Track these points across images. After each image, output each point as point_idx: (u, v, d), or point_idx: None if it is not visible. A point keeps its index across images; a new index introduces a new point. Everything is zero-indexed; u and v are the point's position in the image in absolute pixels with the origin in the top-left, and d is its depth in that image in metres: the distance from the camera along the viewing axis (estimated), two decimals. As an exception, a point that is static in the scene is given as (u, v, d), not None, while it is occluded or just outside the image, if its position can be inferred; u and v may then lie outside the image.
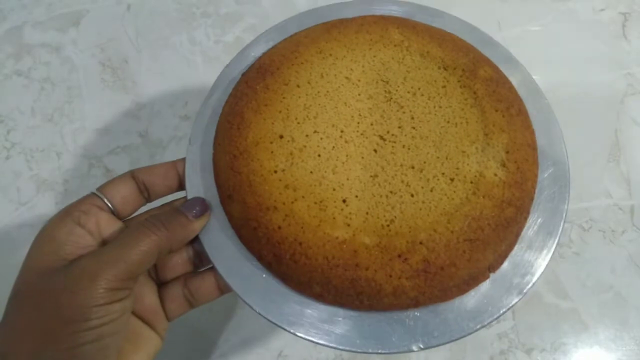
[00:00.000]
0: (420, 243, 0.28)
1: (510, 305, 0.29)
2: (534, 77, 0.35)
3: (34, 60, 0.53)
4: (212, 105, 0.35)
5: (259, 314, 0.28)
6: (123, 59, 0.53)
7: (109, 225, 0.29)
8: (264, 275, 0.29)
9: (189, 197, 0.31)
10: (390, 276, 0.27)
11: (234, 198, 0.30)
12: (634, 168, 0.48)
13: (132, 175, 0.31)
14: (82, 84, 0.51)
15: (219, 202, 0.31)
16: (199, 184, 0.32)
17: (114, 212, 0.29)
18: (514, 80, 0.35)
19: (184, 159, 0.33)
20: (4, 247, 0.44)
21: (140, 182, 0.31)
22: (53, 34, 0.54)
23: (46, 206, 0.46)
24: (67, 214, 0.27)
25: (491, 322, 0.28)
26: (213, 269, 0.30)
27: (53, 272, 0.25)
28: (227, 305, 0.42)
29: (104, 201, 0.29)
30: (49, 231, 0.26)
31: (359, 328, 0.28)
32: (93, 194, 0.29)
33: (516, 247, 0.30)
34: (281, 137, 0.31)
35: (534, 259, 0.30)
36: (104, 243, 0.28)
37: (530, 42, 0.54)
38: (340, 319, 0.28)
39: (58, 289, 0.24)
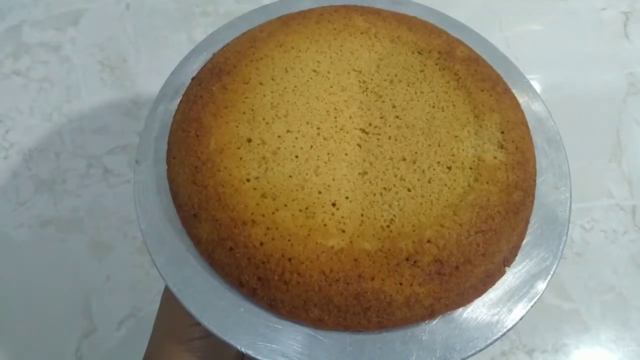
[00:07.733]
0: (429, 241, 0.25)
1: (536, 298, 0.28)
2: (531, 76, 0.34)
3: (32, 59, 0.52)
4: (159, 118, 0.31)
5: (247, 354, 0.24)
6: (122, 58, 0.53)
7: None
8: (242, 309, 0.25)
9: (142, 227, 0.27)
10: (401, 284, 0.24)
11: (201, 217, 0.26)
12: (636, 168, 0.48)
13: None
14: (80, 83, 0.51)
15: (181, 227, 0.27)
16: (154, 209, 0.28)
17: None
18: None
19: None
20: (1, 248, 0.44)
21: None
22: (52, 33, 0.54)
23: (44, 206, 0.45)
24: None
25: (515, 324, 0.26)
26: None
27: None
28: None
29: None
30: None
31: (369, 354, 0.25)
32: None
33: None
34: (249, 140, 0.27)
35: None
36: None
37: (531, 42, 0.53)
38: (349, 348, 0.25)
39: None
